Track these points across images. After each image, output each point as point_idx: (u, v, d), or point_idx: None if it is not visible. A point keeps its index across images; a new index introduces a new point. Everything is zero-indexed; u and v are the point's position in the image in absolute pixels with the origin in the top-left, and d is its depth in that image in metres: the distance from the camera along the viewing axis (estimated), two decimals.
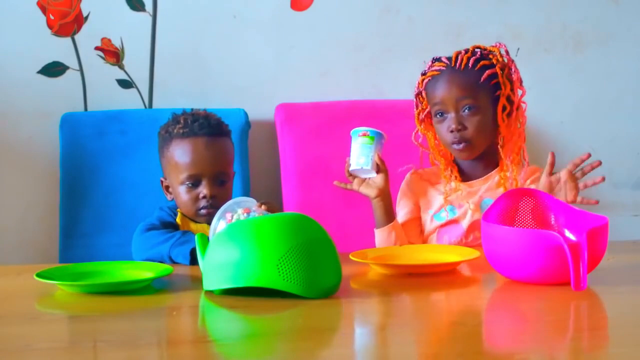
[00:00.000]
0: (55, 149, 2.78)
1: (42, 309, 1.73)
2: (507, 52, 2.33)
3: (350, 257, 1.94)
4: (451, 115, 2.28)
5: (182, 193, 2.23)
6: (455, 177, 2.33)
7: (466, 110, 2.27)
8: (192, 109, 2.32)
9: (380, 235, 2.31)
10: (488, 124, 2.29)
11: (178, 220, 2.24)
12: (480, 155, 2.32)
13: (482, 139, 2.30)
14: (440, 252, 2.01)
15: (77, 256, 2.65)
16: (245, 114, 2.81)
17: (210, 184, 2.21)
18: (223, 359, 1.43)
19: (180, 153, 2.23)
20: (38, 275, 1.80)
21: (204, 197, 2.21)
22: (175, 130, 2.25)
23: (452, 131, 2.28)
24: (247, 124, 2.81)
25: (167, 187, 2.29)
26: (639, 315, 1.62)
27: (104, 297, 1.76)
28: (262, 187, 2.88)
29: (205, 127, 2.24)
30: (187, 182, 2.22)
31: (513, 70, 2.31)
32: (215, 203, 2.17)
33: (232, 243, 1.70)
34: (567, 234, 1.88)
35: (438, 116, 2.31)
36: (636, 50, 3.01)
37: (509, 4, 2.96)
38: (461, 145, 2.28)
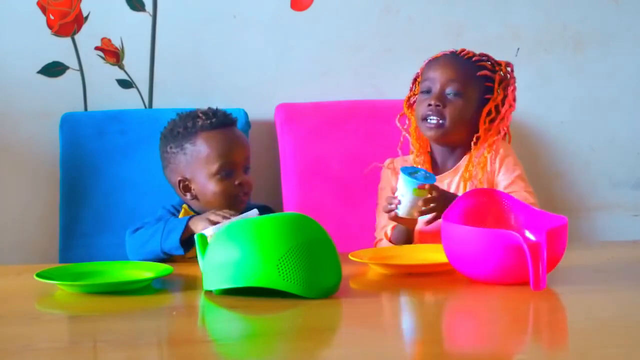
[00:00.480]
0: (55, 149, 2.78)
1: (42, 309, 1.73)
2: (512, 70, 2.36)
3: (350, 257, 1.94)
4: (436, 91, 2.31)
5: (214, 185, 2.20)
6: (427, 167, 2.34)
7: (451, 93, 2.30)
8: (196, 109, 2.32)
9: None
10: (467, 116, 2.31)
11: (181, 216, 2.23)
12: (453, 148, 2.33)
13: (456, 126, 2.30)
14: (439, 252, 2.01)
15: (77, 256, 2.65)
16: (245, 114, 2.81)
17: (242, 171, 2.23)
18: (223, 359, 1.43)
19: (212, 144, 2.21)
20: (38, 275, 1.80)
21: (240, 184, 2.21)
22: (200, 124, 2.23)
23: (430, 105, 2.30)
24: (247, 124, 2.81)
25: (186, 187, 2.24)
26: (637, 316, 1.62)
27: (104, 297, 1.76)
28: (262, 187, 2.88)
29: (228, 117, 2.27)
30: (221, 173, 2.20)
31: (511, 87, 2.34)
32: (248, 190, 2.22)
33: (232, 243, 1.71)
34: (527, 234, 1.88)
35: (424, 93, 2.34)
36: (636, 50, 3.01)
37: (509, 4, 2.96)
38: (433, 121, 2.29)
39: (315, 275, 1.68)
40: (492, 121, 2.32)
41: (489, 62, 2.37)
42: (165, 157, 2.28)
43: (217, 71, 2.87)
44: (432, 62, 2.38)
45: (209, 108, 2.30)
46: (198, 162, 2.22)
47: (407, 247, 2.15)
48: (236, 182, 2.21)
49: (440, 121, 2.30)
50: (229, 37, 2.87)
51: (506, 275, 1.75)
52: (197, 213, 2.21)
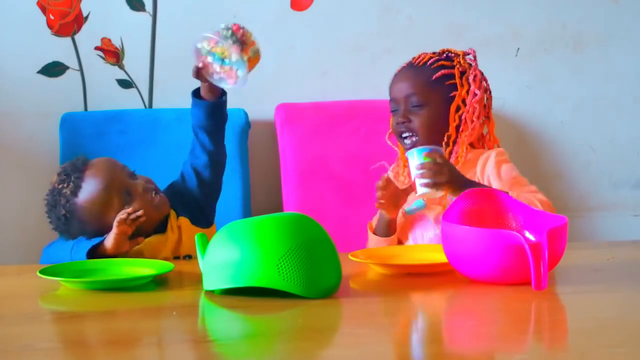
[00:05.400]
0: (55, 149, 2.78)
1: (42, 309, 1.73)
2: (475, 57, 2.35)
3: (350, 257, 1.94)
4: (401, 109, 2.31)
5: (134, 207, 2.13)
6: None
7: (415, 107, 2.30)
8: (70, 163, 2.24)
9: (376, 241, 2.30)
10: (438, 122, 2.30)
11: None
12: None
13: (429, 135, 2.29)
14: (439, 252, 2.01)
15: None
16: (245, 114, 2.81)
17: (131, 178, 2.18)
18: (223, 359, 1.43)
19: (92, 194, 2.15)
20: (41, 272, 1.81)
21: (144, 188, 2.17)
22: (69, 193, 2.16)
23: (398, 123, 2.31)
24: (247, 124, 2.81)
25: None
26: (637, 316, 1.62)
27: (104, 295, 1.76)
28: (262, 187, 2.88)
29: (76, 166, 2.19)
30: (124, 197, 2.16)
31: (472, 75, 2.31)
32: (152, 184, 2.20)
33: (232, 243, 1.71)
34: (527, 234, 1.88)
35: (392, 112, 2.35)
36: (636, 50, 3.01)
37: (509, 4, 2.96)
38: (406, 135, 2.30)
39: (315, 275, 1.68)
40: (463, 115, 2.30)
41: (445, 59, 2.34)
42: (81, 242, 2.17)
43: None
44: (393, 79, 2.37)
45: (58, 174, 2.22)
46: (103, 216, 2.14)
47: (407, 247, 2.15)
48: (139, 190, 2.16)
49: (413, 135, 2.30)
50: None
51: (506, 275, 1.75)
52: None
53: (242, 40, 2.11)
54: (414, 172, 2.15)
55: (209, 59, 2.13)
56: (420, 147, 2.17)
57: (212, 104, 2.23)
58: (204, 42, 2.13)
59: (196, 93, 2.25)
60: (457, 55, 2.36)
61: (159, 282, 1.86)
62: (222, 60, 2.12)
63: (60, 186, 2.19)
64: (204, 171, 2.28)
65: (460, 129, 2.30)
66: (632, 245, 2.36)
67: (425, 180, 2.12)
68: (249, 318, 1.64)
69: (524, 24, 2.96)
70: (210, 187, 2.31)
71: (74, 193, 2.16)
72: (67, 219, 2.17)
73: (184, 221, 2.22)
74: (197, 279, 1.80)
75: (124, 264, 1.94)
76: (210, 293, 1.73)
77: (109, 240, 2.07)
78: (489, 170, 2.29)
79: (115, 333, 1.53)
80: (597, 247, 2.35)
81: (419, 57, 2.36)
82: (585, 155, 3.01)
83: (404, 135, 2.32)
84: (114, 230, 2.06)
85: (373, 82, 2.93)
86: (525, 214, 1.90)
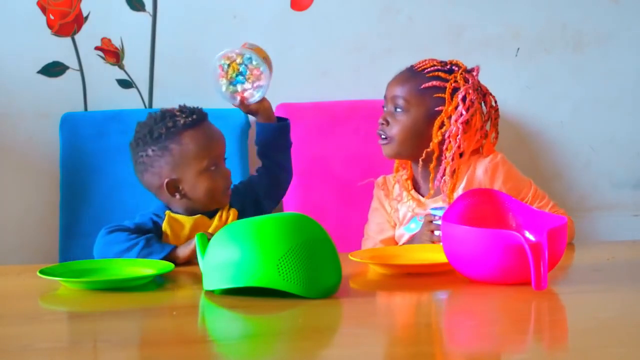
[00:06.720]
0: (55, 149, 2.78)
1: (42, 309, 1.73)
2: (476, 75, 2.30)
3: (350, 257, 1.94)
4: (387, 108, 2.31)
5: (206, 180, 2.17)
6: (406, 186, 2.32)
7: (397, 110, 2.28)
8: (165, 109, 2.27)
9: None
10: (414, 131, 2.27)
11: (165, 223, 2.18)
12: (417, 163, 2.29)
13: (402, 142, 2.27)
14: (439, 252, 2.02)
15: (77, 256, 2.63)
16: (246, 114, 2.81)
17: (224, 164, 2.23)
18: (223, 359, 1.43)
19: (199, 141, 2.19)
20: (41, 271, 1.81)
21: (227, 176, 2.22)
22: (182, 122, 2.19)
23: (379, 122, 2.30)
24: (247, 124, 2.81)
25: (174, 187, 2.19)
26: (637, 316, 1.62)
27: (105, 294, 1.76)
28: None
29: (203, 112, 2.24)
30: (211, 167, 2.18)
31: (464, 94, 2.24)
32: (230, 182, 2.24)
33: (232, 243, 1.71)
34: (527, 234, 1.88)
35: (383, 107, 2.33)
36: (636, 50, 3.01)
37: (509, 4, 2.96)
38: (381, 141, 2.29)
39: (315, 275, 1.68)
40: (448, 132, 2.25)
41: (446, 71, 2.28)
42: (144, 162, 2.21)
43: None
44: (392, 78, 2.34)
45: (180, 106, 2.26)
46: (186, 160, 2.18)
47: (407, 247, 2.15)
48: (226, 175, 2.22)
49: (386, 140, 2.29)
50: (229, 37, 2.86)
51: (506, 275, 1.75)
52: (180, 213, 2.19)
53: (228, 55, 2.28)
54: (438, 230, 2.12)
55: (238, 87, 2.28)
56: (442, 208, 2.12)
57: (280, 125, 2.35)
58: (220, 81, 2.28)
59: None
60: (457, 65, 2.30)
61: (159, 282, 1.86)
62: (240, 74, 2.28)
63: (177, 112, 2.22)
64: (284, 184, 2.39)
65: (444, 147, 2.25)
66: (632, 245, 2.37)
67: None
68: (249, 318, 1.64)
69: (524, 24, 2.96)
70: (280, 196, 2.42)
71: (185, 126, 2.19)
72: (158, 139, 2.19)
73: (234, 213, 2.23)
74: (197, 279, 1.80)
75: (124, 264, 1.94)
76: (210, 293, 1.73)
77: (186, 250, 2.07)
78: (499, 183, 2.25)
79: (115, 333, 1.53)
80: (597, 247, 2.36)
81: (423, 62, 2.32)
82: (585, 155, 3.00)
83: (380, 140, 2.30)
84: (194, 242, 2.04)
85: (373, 82, 2.92)
86: (525, 214, 1.90)
